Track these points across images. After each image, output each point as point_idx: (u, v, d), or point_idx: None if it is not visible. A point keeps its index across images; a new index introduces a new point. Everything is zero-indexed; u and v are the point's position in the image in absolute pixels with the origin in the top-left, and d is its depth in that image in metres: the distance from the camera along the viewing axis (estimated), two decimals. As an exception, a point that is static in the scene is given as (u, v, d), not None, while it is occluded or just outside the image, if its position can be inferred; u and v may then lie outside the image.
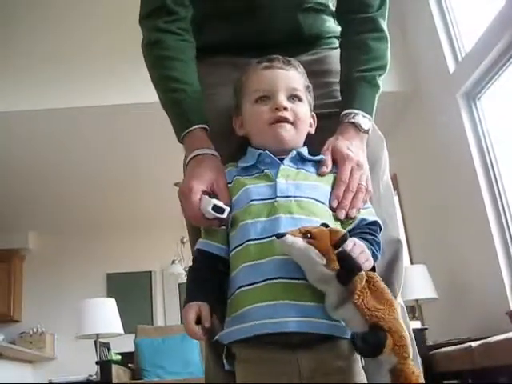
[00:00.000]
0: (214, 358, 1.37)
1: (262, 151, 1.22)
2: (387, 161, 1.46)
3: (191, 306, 1.09)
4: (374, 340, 0.96)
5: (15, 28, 4.72)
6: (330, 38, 1.55)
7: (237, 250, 1.12)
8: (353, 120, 1.32)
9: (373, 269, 1.06)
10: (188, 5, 1.44)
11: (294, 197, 1.14)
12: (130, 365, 5.19)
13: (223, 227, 1.18)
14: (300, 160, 1.23)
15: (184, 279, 6.58)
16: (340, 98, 1.42)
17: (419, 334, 3.98)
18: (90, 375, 5.73)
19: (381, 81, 1.41)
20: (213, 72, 1.44)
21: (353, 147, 1.28)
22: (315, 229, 1.04)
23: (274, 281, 1.05)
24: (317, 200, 1.16)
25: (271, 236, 1.07)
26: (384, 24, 1.45)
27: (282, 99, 1.23)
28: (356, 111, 1.33)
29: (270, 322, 1.01)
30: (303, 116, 1.26)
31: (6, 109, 4.59)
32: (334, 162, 1.25)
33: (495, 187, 4.02)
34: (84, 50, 4.69)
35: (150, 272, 7.84)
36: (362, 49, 1.41)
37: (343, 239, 1.02)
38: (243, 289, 1.08)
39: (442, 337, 4.22)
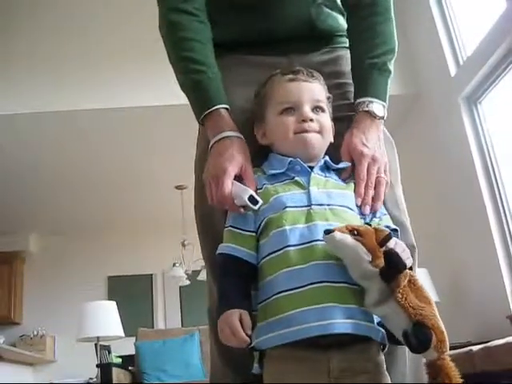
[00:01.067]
0: (222, 361, 1.38)
1: (292, 159, 1.24)
2: (398, 166, 1.47)
3: (234, 313, 1.09)
4: (423, 336, 0.99)
5: (16, 30, 4.72)
6: (342, 36, 1.55)
7: (273, 255, 1.13)
8: (367, 108, 1.34)
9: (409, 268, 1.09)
10: None
11: (328, 205, 1.17)
12: (130, 368, 5.19)
13: (249, 233, 1.19)
14: (326, 168, 1.26)
15: (185, 282, 6.58)
16: (351, 99, 1.43)
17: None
18: (91, 378, 5.73)
19: (391, 65, 1.41)
20: (224, 71, 1.42)
21: (368, 141, 1.30)
22: (361, 227, 1.08)
23: (319, 284, 1.06)
24: (347, 207, 1.19)
25: (310, 242, 1.10)
26: (389, 7, 1.45)
27: (308, 111, 1.26)
28: (370, 99, 1.35)
29: (319, 324, 1.03)
30: (327, 125, 1.29)
31: (7, 111, 4.60)
32: (352, 160, 1.29)
33: (496, 191, 4.02)
34: (86, 52, 4.69)
35: (151, 275, 7.83)
36: (370, 34, 1.41)
37: (388, 238, 1.05)
38: (284, 294, 1.08)
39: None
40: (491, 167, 4.07)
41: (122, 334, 5.23)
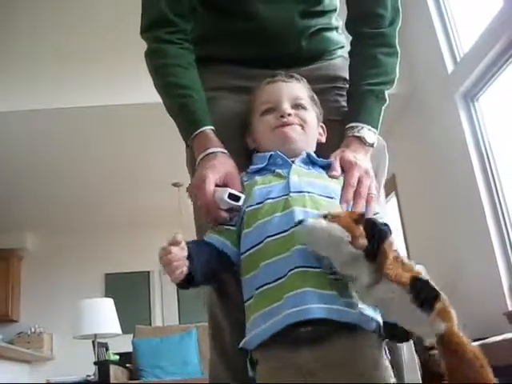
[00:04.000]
0: (220, 360, 1.38)
1: (273, 152, 1.24)
2: (386, 166, 1.47)
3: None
4: (425, 286, 0.97)
5: (15, 27, 4.71)
6: (335, 49, 1.56)
7: (255, 248, 1.12)
8: (358, 134, 1.34)
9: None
10: (188, 16, 1.45)
11: (308, 192, 1.15)
12: (127, 365, 5.19)
13: (233, 227, 1.18)
14: (310, 162, 1.25)
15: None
16: (341, 103, 1.45)
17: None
18: (88, 375, 5.74)
19: (387, 94, 1.42)
20: (212, 78, 1.45)
21: (359, 159, 1.29)
22: (334, 212, 1.04)
23: (298, 269, 1.04)
24: (328, 197, 1.17)
25: (288, 229, 1.08)
26: (395, 40, 1.47)
27: (287, 107, 1.28)
28: (362, 125, 1.35)
29: (294, 310, 1.00)
30: (310, 121, 1.30)
31: (4, 108, 4.59)
32: (342, 169, 1.27)
33: (493, 188, 4.02)
34: (84, 49, 4.68)
35: (148, 272, 7.83)
36: (373, 63, 1.42)
37: (362, 215, 1.02)
38: (266, 287, 1.06)
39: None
40: (488, 164, 4.07)
41: (120, 332, 5.24)
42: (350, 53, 1.49)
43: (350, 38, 1.51)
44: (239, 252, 1.16)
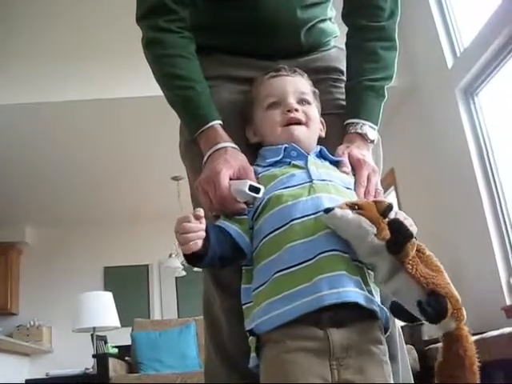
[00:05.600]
0: (214, 350, 1.38)
1: (287, 145, 1.24)
2: (382, 159, 1.48)
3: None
4: (438, 305, 0.97)
5: (14, 21, 4.69)
6: (330, 40, 1.56)
7: (279, 231, 1.10)
8: (360, 131, 1.34)
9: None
10: (187, 3, 1.41)
11: (330, 181, 1.17)
12: (126, 358, 5.19)
13: (245, 216, 1.18)
14: (322, 157, 1.27)
15: (181, 273, 6.60)
16: (336, 95, 1.44)
17: (415, 328, 3.99)
18: (87, 368, 5.74)
19: (386, 89, 1.41)
20: (209, 67, 1.42)
21: (365, 155, 1.31)
22: (361, 201, 1.07)
23: (330, 253, 1.04)
24: (347, 187, 1.20)
25: (315, 213, 1.08)
26: (395, 33, 1.46)
27: (292, 101, 1.28)
28: (363, 121, 1.35)
29: (332, 292, 1.00)
30: (314, 117, 1.30)
31: (3, 102, 4.58)
32: (351, 166, 1.28)
33: (492, 183, 4.02)
34: (82, 43, 4.67)
35: (147, 265, 7.84)
36: (372, 57, 1.41)
37: (389, 208, 1.03)
38: (293, 269, 1.04)
39: (437, 332, 4.21)
40: (488, 159, 4.07)
41: (118, 325, 5.25)
42: (348, 45, 1.47)
43: (344, 26, 1.50)
44: (250, 243, 1.15)
